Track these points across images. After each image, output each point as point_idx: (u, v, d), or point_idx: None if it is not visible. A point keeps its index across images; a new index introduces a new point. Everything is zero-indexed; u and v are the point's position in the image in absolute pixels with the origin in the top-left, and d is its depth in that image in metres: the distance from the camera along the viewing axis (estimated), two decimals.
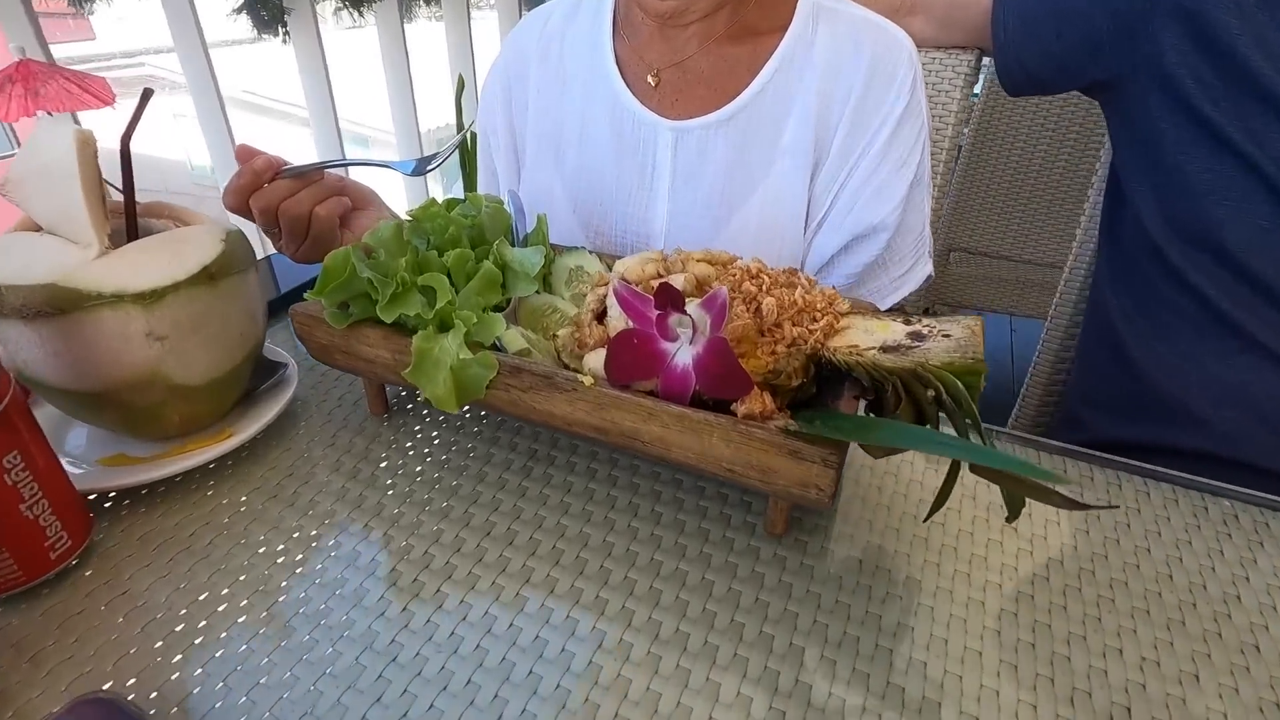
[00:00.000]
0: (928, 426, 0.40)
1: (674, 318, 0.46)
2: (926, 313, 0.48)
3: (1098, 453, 0.62)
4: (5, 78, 0.48)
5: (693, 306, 0.46)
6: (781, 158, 0.73)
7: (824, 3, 0.74)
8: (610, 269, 0.66)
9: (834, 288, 0.78)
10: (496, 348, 0.53)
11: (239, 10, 0.97)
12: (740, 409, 0.44)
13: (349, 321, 0.54)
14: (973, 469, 0.41)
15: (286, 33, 1.00)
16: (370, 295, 0.52)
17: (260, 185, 0.66)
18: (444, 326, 0.53)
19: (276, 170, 0.67)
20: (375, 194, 0.78)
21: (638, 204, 0.78)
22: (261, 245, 0.76)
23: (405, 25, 1.17)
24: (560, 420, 0.50)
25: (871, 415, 0.46)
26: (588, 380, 0.47)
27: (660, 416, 0.46)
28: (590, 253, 0.66)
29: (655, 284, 0.51)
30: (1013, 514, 0.41)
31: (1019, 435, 0.64)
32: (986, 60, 1.05)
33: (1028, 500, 0.41)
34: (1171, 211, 0.79)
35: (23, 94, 0.48)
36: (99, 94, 0.53)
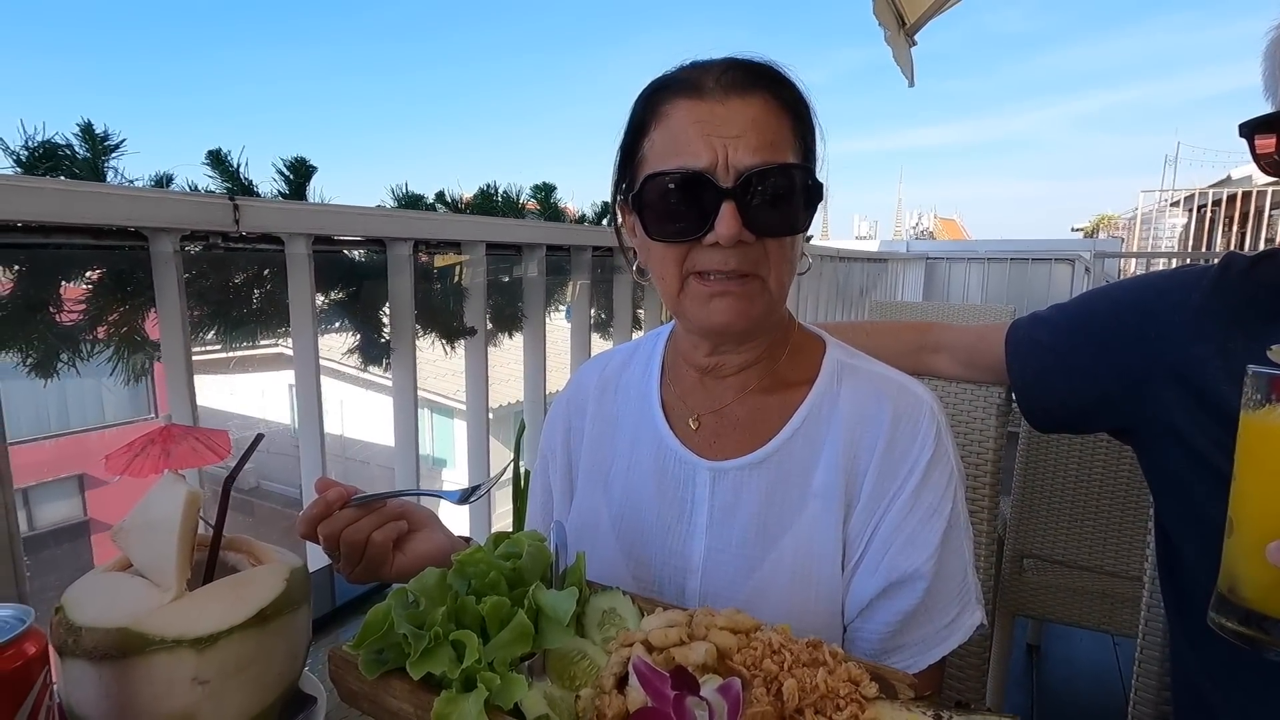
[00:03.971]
0: None
1: (690, 700, 0.46)
2: (959, 706, 0.46)
3: None
4: (147, 440, 0.59)
5: (709, 690, 0.46)
6: (813, 500, 0.76)
7: (847, 360, 0.82)
8: (642, 612, 0.67)
9: (876, 635, 0.75)
10: (518, 709, 0.53)
11: (352, 351, 1.18)
12: None
13: (381, 671, 0.55)
14: None
15: (388, 363, 1.19)
16: (404, 648, 0.54)
17: (330, 514, 0.73)
18: (469, 683, 0.53)
19: (346, 500, 0.74)
20: (433, 516, 0.84)
21: (676, 538, 0.80)
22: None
23: (490, 350, 1.37)
24: None
25: None
26: None
27: None
28: (624, 594, 0.67)
29: (675, 653, 0.51)
30: None
31: None
32: None
33: None
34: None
35: (158, 454, 0.59)
36: (217, 449, 0.64)
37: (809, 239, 0.82)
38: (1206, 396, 0.76)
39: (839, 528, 0.74)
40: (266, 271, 1.06)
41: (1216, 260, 0.84)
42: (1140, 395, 0.82)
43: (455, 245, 1.30)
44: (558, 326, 1.73)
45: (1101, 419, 0.90)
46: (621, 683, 0.53)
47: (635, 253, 0.81)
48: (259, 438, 0.72)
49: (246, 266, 1.04)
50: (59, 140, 0.85)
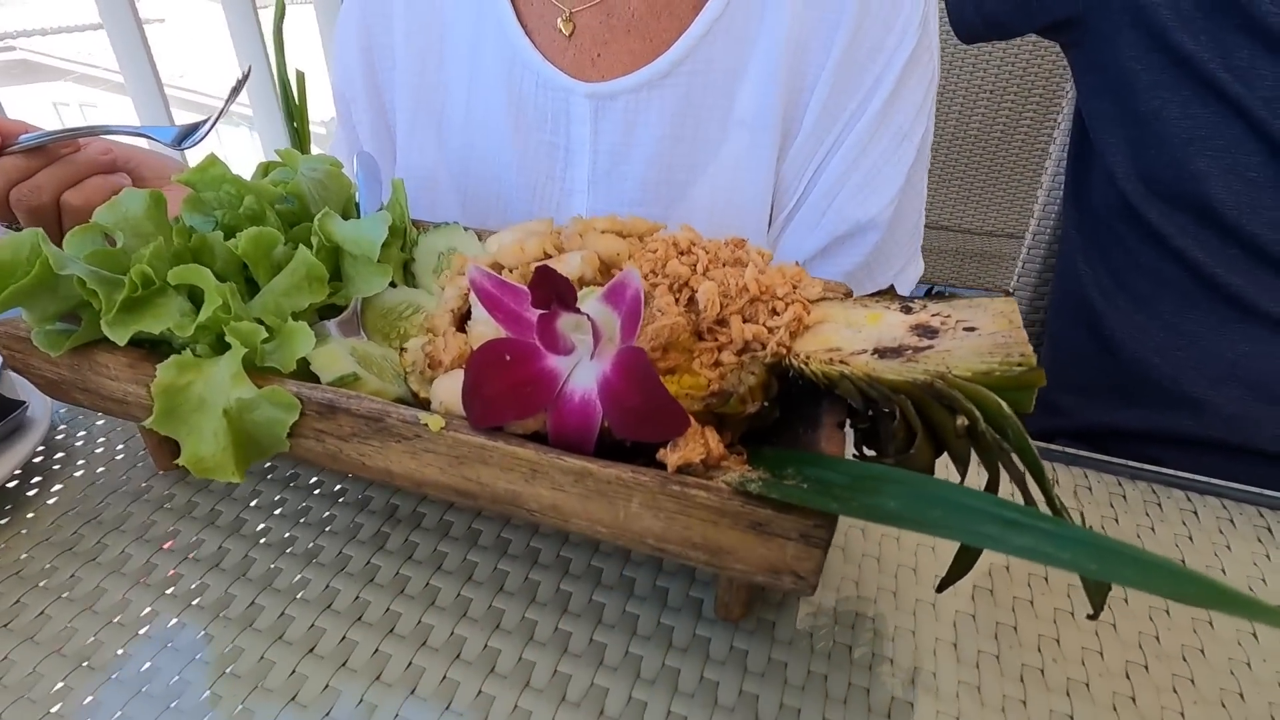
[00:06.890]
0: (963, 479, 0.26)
1: (564, 319, 0.30)
2: (931, 295, 0.33)
3: (1069, 449, 0.51)
4: None
5: (592, 301, 0.30)
6: (736, 130, 0.54)
7: None
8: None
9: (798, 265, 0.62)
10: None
11: None
12: (672, 457, 0.28)
13: (73, 343, 0.35)
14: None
15: None
16: (93, 303, 0.33)
17: None
18: (225, 347, 0.35)
19: (1, 142, 0.46)
20: (181, 165, 0.58)
21: (546, 201, 0.58)
22: None
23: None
24: (405, 480, 0.33)
25: (867, 453, 0.31)
26: (435, 422, 0.31)
27: (549, 474, 0.30)
28: (467, 230, 0.49)
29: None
30: (1097, 607, 0.27)
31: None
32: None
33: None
34: (1148, 166, 0.69)
35: None
36: None
37: None
38: None
39: (770, 168, 0.54)
40: None
41: None
42: None
43: None
44: None
45: (1046, 8, 0.74)
46: (463, 322, 0.37)
47: None
48: None
49: None
50: None
